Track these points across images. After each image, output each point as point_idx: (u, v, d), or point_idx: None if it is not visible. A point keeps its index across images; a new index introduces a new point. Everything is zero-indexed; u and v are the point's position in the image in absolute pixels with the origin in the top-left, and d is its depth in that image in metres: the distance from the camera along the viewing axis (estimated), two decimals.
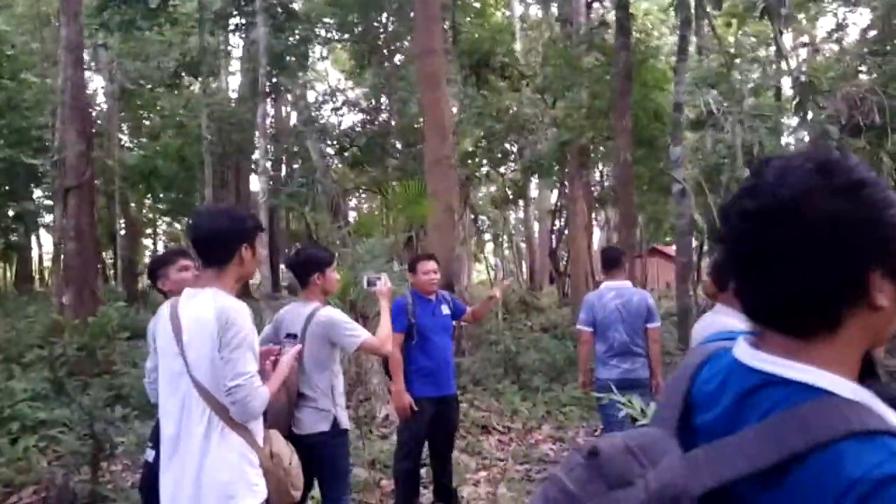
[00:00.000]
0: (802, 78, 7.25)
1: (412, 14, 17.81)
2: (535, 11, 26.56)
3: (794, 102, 7.38)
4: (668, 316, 14.11)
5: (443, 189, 10.62)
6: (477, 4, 19.61)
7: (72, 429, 5.28)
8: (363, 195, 31.16)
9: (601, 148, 15.81)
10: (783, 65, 19.47)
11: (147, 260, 30.33)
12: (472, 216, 21.21)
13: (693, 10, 11.23)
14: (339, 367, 3.41)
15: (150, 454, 3.09)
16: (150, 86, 19.01)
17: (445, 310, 4.65)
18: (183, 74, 17.22)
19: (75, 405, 5.25)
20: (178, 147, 17.87)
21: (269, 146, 15.03)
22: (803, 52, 21.72)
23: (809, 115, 9.25)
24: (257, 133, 13.04)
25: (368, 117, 22.67)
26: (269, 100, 20.86)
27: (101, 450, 4.89)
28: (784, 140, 20.27)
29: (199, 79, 16.54)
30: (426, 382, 4.32)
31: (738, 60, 17.38)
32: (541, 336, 11.94)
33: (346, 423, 3.36)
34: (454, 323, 4.86)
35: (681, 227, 11.24)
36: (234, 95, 21.76)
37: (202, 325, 2.24)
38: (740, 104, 17.08)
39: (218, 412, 2.21)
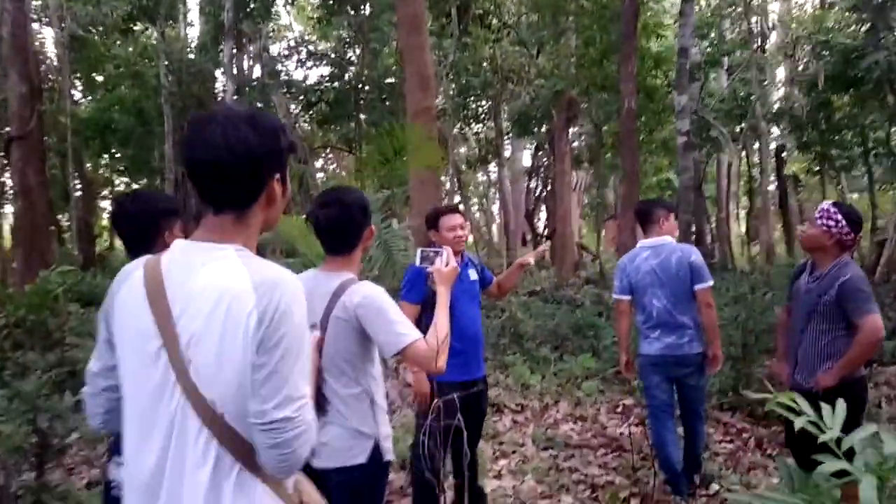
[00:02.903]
0: None
1: None
2: None
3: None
4: None
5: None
6: None
7: (9, 420, 4.38)
8: (330, 155, 29.96)
9: (588, 101, 14.93)
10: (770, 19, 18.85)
11: (105, 222, 28.86)
12: (456, 174, 20.30)
13: None
14: (379, 371, 2.38)
15: (117, 474, 2.06)
16: (102, 31, 17.47)
17: (473, 275, 3.82)
18: (137, 19, 15.76)
19: (13, 392, 4.36)
20: (134, 98, 16.54)
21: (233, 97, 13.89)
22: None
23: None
24: (224, 76, 11.93)
25: (337, 70, 21.43)
26: (231, 50, 19.65)
27: (46, 446, 4.03)
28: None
29: (157, 23, 15.17)
30: (454, 364, 3.49)
31: (730, 10, 16.66)
32: (531, 300, 11.21)
33: (390, 453, 2.35)
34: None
35: (684, 182, 10.56)
36: (192, 45, 20.35)
37: (226, 307, 1.32)
38: (730, 55, 16.47)
39: (231, 448, 1.34)
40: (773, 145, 19.66)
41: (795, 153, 20.14)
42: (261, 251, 1.50)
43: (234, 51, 19.44)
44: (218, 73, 19.41)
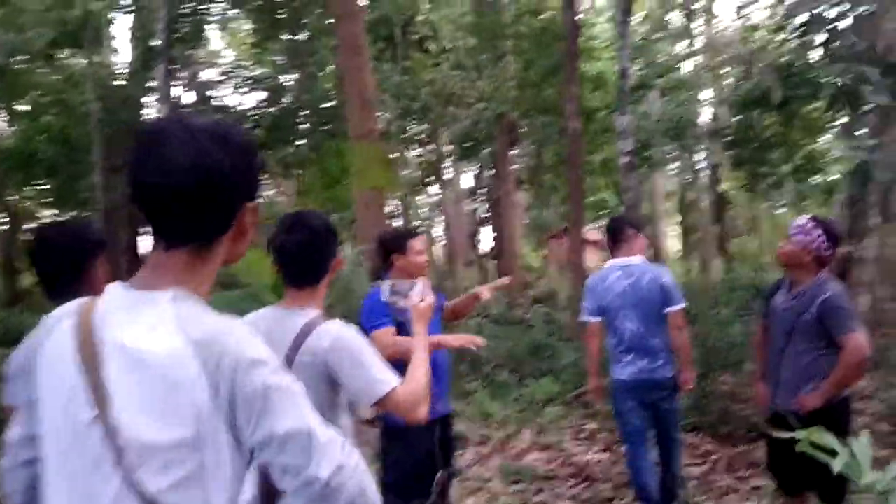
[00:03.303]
0: None
1: None
2: None
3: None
4: None
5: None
6: None
7: None
8: (269, 181, 29.41)
9: (529, 123, 15.01)
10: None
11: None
12: (403, 197, 20.08)
13: None
14: (348, 420, 2.08)
15: None
16: (26, 59, 16.71)
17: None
18: (62, 45, 15.05)
19: None
20: (61, 127, 15.80)
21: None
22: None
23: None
24: (157, 103, 11.49)
25: (274, 95, 21.07)
26: (162, 75, 19.11)
27: None
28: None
29: (83, 48, 14.53)
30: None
31: (659, 35, 17.10)
32: (483, 323, 11.04)
33: None
34: None
35: (627, 202, 10.60)
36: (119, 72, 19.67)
37: (162, 381, 1.05)
38: (664, 76, 16.89)
39: None
40: (701, 164, 20.23)
41: (725, 172, 20.76)
42: None
43: (168, 75, 19.00)
44: (150, 99, 18.85)
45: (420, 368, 2.02)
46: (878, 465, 1.63)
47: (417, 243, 3.43)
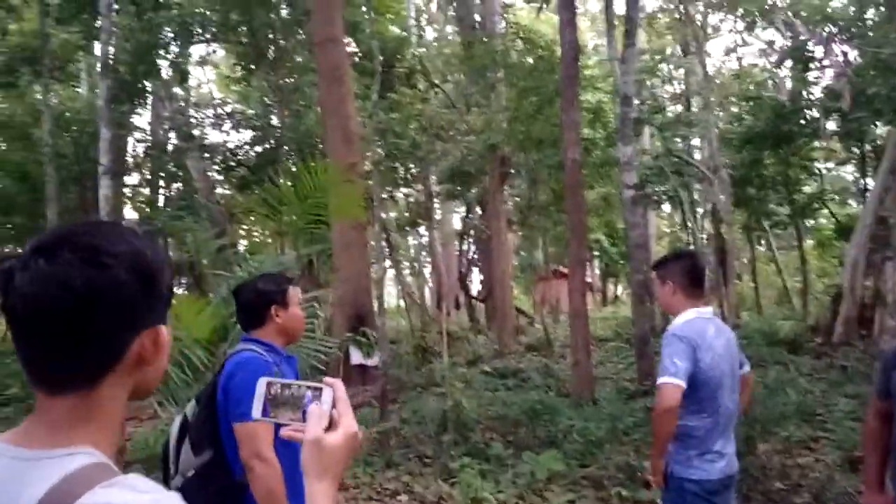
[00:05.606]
0: None
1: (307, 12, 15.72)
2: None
3: None
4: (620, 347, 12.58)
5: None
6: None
7: None
8: (254, 222, 28.53)
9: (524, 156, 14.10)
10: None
11: None
12: (386, 237, 18.98)
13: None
14: None
15: None
16: None
17: None
18: (18, 72, 13.99)
19: None
20: (18, 161, 14.77)
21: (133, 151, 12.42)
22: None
23: None
24: (102, 126, 10.51)
25: (260, 134, 20.33)
26: (139, 109, 18.23)
27: None
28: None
29: (42, 76, 13.54)
30: None
31: (662, 66, 16.37)
32: (471, 373, 9.91)
33: None
34: None
35: (634, 240, 9.62)
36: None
37: None
38: (661, 112, 16.15)
39: None
40: (700, 204, 19.44)
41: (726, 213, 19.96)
42: None
43: (144, 106, 18.17)
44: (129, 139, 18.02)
45: None
46: None
47: (297, 294, 2.48)
